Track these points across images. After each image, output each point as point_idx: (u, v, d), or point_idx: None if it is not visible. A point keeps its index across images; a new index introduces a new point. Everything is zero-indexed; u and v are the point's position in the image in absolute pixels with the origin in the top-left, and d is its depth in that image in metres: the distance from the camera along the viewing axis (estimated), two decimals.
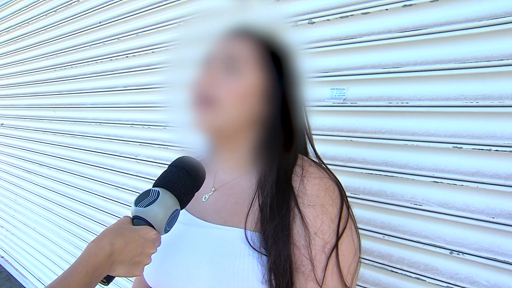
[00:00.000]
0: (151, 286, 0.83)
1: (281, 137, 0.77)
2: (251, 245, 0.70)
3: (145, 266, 0.82)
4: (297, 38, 0.82)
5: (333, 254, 0.68)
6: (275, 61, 0.78)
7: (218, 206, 0.80)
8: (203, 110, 0.75)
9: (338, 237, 0.69)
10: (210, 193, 0.84)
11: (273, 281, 0.66)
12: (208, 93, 0.75)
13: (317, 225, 0.69)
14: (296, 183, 0.73)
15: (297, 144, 0.80)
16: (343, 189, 0.75)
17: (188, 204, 0.83)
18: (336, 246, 0.69)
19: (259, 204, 0.73)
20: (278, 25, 0.81)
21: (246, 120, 0.77)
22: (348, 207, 0.74)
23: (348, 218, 0.72)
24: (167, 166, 0.76)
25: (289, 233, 0.69)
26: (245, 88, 0.75)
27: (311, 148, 0.83)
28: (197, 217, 0.81)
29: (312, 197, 0.71)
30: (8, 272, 3.80)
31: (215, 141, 0.83)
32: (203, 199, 0.83)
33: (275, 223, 0.69)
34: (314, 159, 0.81)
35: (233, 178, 0.82)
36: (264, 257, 0.68)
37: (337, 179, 0.77)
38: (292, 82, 0.79)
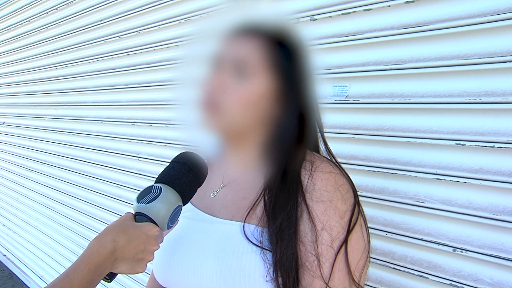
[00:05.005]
0: (161, 283, 0.83)
1: (293, 134, 0.76)
2: (248, 239, 0.69)
3: (155, 262, 0.82)
4: (308, 35, 0.80)
5: (342, 250, 0.67)
6: (286, 59, 0.76)
7: (226, 202, 0.80)
8: (210, 114, 0.75)
9: (348, 233, 0.68)
10: (218, 189, 0.83)
11: (279, 279, 0.66)
12: (215, 99, 0.74)
13: (325, 221, 0.68)
14: (305, 178, 0.72)
15: (309, 142, 0.79)
16: (354, 186, 0.74)
17: (197, 200, 0.82)
18: (345, 242, 0.68)
19: (264, 199, 0.73)
20: (287, 22, 0.80)
21: (255, 122, 0.77)
22: (359, 204, 0.73)
23: (358, 215, 0.71)
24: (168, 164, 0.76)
25: (296, 229, 0.68)
26: (254, 93, 0.74)
27: (323, 145, 0.82)
28: (205, 213, 0.81)
29: (320, 192, 0.70)
30: (10, 271, 3.80)
31: (225, 139, 0.83)
32: (212, 195, 0.83)
33: (280, 220, 0.68)
34: (325, 156, 0.80)
35: (242, 174, 0.81)
36: (268, 254, 0.67)
37: (348, 175, 0.76)
38: (304, 80, 0.77)
